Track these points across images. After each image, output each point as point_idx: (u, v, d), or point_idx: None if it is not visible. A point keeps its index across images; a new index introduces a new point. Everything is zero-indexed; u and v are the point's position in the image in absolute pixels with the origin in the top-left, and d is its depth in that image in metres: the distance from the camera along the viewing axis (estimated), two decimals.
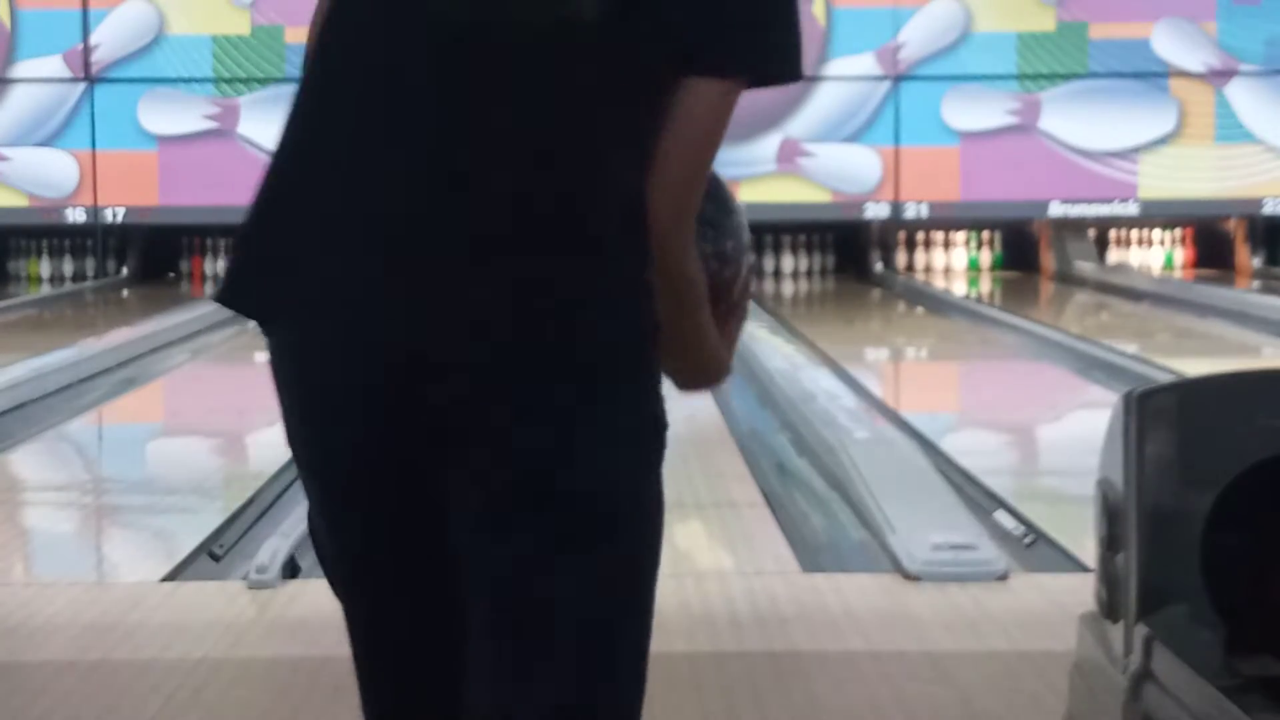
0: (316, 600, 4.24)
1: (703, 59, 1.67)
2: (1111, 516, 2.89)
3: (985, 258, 15.42)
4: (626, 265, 1.67)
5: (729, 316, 1.82)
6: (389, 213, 1.66)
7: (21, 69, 14.40)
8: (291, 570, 4.45)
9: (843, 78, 14.41)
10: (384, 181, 1.67)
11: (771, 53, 1.72)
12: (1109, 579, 2.90)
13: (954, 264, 15.36)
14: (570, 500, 1.65)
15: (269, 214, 1.73)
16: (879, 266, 15.01)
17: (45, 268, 14.98)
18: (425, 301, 1.64)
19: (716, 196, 1.80)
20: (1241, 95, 14.60)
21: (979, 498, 5.61)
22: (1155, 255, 15.43)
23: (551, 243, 1.65)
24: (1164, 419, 2.82)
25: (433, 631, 1.75)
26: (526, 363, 1.63)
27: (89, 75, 14.35)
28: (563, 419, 1.64)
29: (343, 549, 1.77)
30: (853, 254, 14.98)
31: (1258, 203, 14.66)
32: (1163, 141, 14.60)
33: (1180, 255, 15.44)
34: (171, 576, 4.67)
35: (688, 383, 1.83)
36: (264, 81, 14.23)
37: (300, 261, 1.69)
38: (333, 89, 1.73)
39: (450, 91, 1.66)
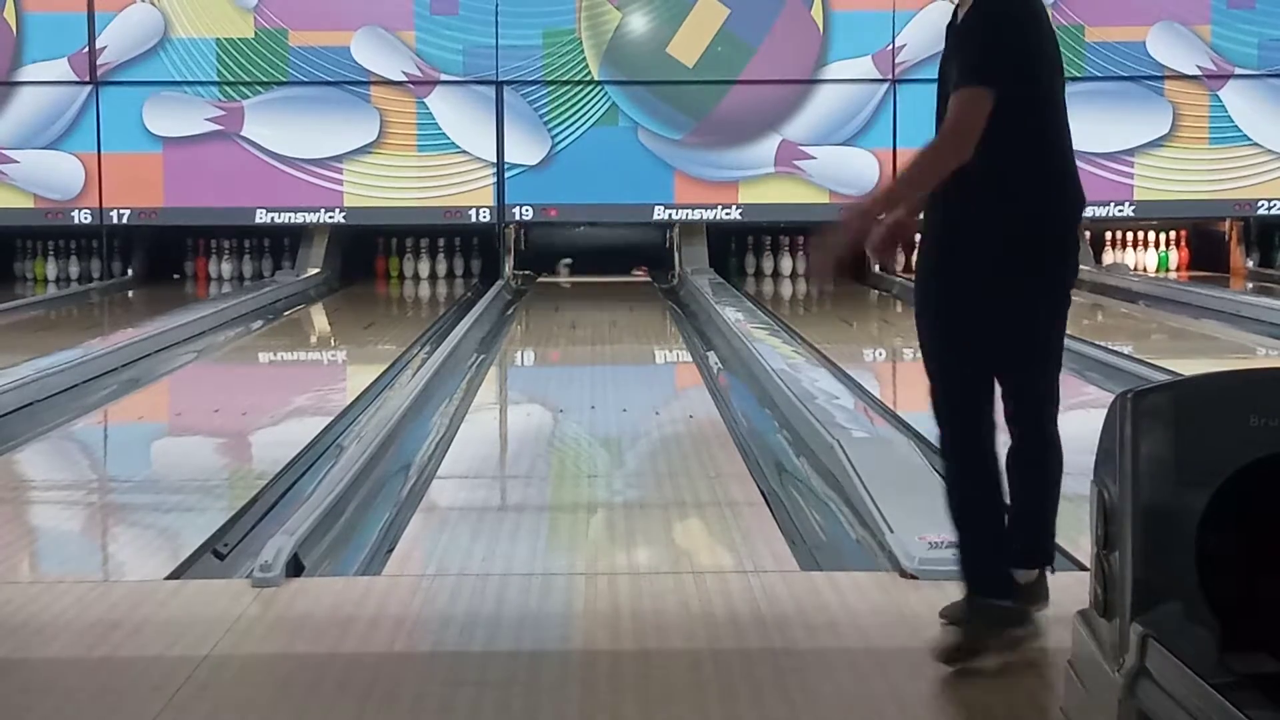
0: (320, 598, 4.27)
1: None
2: (1106, 515, 2.92)
3: None
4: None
5: None
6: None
7: (28, 72, 14.39)
8: (295, 568, 4.47)
9: (841, 80, 14.43)
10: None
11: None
12: (1104, 577, 2.93)
13: None
14: None
15: None
16: (877, 268, 15.02)
17: (51, 269, 14.99)
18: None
19: None
20: (1235, 98, 14.63)
21: None
22: (1150, 257, 15.44)
23: None
24: (1158, 419, 2.84)
25: None
26: None
27: (94, 78, 14.37)
28: None
29: None
30: (851, 255, 14.93)
31: (1252, 205, 14.69)
32: (1158, 144, 14.62)
33: (1175, 257, 15.45)
34: (176, 574, 4.67)
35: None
36: (267, 84, 14.23)
37: None
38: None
39: None
